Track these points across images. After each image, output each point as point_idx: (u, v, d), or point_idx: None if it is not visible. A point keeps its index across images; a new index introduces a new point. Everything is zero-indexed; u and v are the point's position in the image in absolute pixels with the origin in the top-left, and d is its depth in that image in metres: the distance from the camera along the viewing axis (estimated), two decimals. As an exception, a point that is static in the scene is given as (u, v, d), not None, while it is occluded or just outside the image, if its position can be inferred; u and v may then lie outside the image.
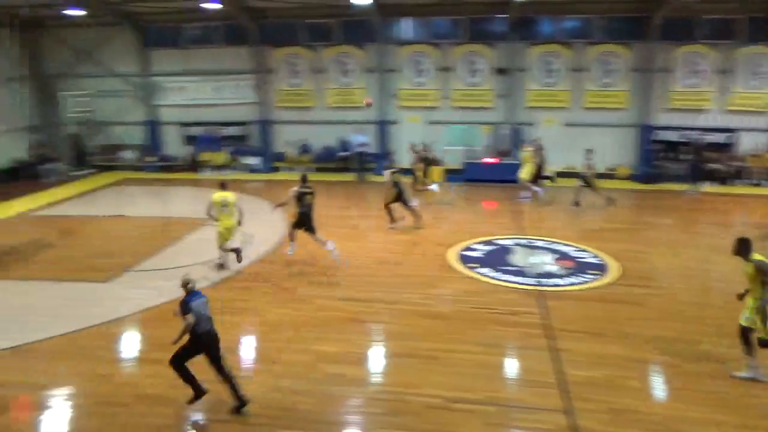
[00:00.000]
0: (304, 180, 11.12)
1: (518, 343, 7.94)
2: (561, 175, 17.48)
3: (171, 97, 20.94)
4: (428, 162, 16.76)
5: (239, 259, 10.73)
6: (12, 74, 19.50)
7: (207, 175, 19.92)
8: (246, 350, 8.08)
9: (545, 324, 8.35)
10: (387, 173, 13.73)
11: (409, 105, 19.78)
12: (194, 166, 20.58)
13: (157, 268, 11.01)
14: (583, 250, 11.66)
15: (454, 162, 19.12)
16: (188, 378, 6.29)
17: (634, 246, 12.14)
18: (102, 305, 9.32)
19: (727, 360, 7.05)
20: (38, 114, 20.99)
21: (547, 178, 16.74)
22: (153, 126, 21.30)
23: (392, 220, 13.35)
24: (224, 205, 10.66)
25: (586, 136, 17.92)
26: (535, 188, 15.95)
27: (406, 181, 14.01)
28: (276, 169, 20.41)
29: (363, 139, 19.14)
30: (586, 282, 10.03)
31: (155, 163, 20.89)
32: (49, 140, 20.99)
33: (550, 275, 10.33)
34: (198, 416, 6.31)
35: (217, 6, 17.43)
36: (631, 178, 18.73)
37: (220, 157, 20.21)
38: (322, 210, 15.30)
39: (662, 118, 18.50)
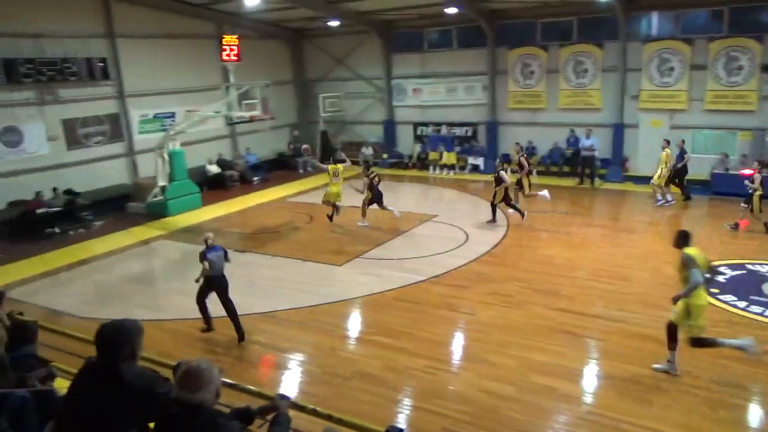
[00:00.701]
0: (368, 167, 14.71)
1: (765, 388, 6.79)
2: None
3: (407, 99, 22.33)
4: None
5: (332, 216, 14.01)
6: (282, 78, 22.77)
7: (435, 173, 20.79)
8: (454, 346, 8.32)
9: (806, 371, 7.00)
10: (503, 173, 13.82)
11: (651, 107, 18.02)
12: (423, 164, 21.66)
13: (384, 257, 11.90)
14: None
15: (700, 172, 16.90)
16: (203, 311, 8.36)
17: None
18: (336, 286, 10.47)
19: None
20: (298, 113, 24.21)
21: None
22: (390, 125, 22.94)
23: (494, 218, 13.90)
24: (335, 174, 13.96)
25: None
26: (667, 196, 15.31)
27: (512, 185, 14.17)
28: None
29: (589, 143, 18.00)
30: None
31: (388, 159, 22.51)
32: (304, 136, 24.04)
33: (819, 314, 8.58)
34: (407, 400, 6.71)
35: (458, 10, 18.14)
36: None
37: (449, 156, 20.89)
38: (543, 215, 14.99)
39: None
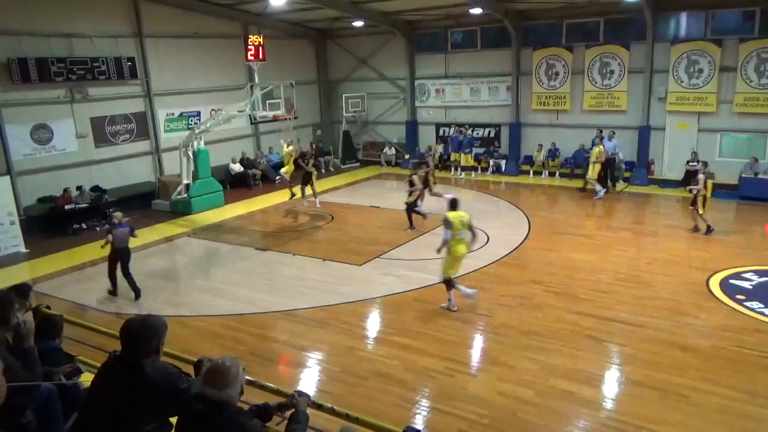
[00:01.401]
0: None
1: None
2: None
3: (430, 99, 22.30)
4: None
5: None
6: (306, 78, 22.91)
7: (455, 175, 20.72)
8: (473, 348, 8.28)
9: (836, 382, 6.82)
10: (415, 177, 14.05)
11: (679, 109, 17.70)
12: (444, 165, 21.59)
13: (403, 258, 11.91)
14: None
15: (728, 176, 16.57)
16: (111, 276, 10.02)
17: None
18: (356, 286, 10.50)
19: None
20: (321, 113, 24.34)
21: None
22: (412, 126, 22.93)
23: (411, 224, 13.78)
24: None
25: None
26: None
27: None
28: (523, 173, 20.25)
29: (612, 145, 17.74)
30: None
31: (410, 160, 22.46)
32: (326, 136, 24.16)
33: None
34: (424, 401, 6.71)
35: (482, 11, 18.08)
36: None
37: (467, 158, 20.79)
38: (564, 218, 14.86)
39: None
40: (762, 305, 8.98)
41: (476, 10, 18.26)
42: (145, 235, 14.35)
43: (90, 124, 16.01)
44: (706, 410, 6.33)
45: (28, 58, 14.16)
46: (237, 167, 19.76)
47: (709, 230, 12.77)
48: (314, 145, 18.40)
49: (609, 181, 17.87)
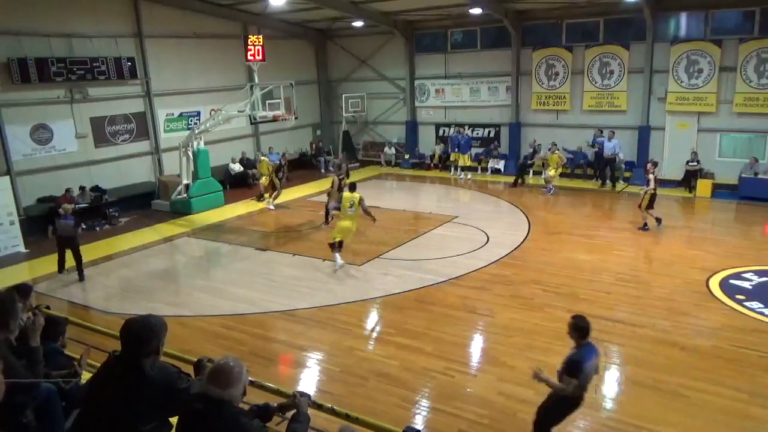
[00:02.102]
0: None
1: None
2: None
3: (430, 99, 22.29)
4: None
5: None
6: (306, 78, 22.90)
7: (455, 175, 20.72)
8: (473, 348, 8.28)
9: (836, 382, 6.82)
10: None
11: (679, 109, 17.71)
12: (444, 165, 21.59)
13: (404, 258, 11.90)
14: None
15: (728, 176, 16.58)
16: (59, 258, 11.18)
17: None
18: (355, 286, 10.50)
19: None
20: (321, 113, 24.33)
21: None
22: (412, 126, 22.93)
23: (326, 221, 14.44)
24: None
25: None
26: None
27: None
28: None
29: (612, 145, 17.71)
30: None
31: (410, 160, 22.50)
32: (326, 136, 24.15)
33: None
34: (424, 401, 6.71)
35: (482, 11, 18.08)
36: None
37: (465, 159, 20.76)
38: (563, 218, 14.86)
39: None
40: (762, 305, 8.99)
41: (476, 10, 18.27)
42: (145, 235, 14.40)
43: (90, 124, 16.00)
44: (706, 410, 6.34)
45: (28, 58, 14.15)
46: (237, 167, 19.75)
47: (646, 226, 13.23)
48: (284, 157, 18.07)
49: (609, 180, 17.91)
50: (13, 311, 3.65)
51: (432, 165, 22.04)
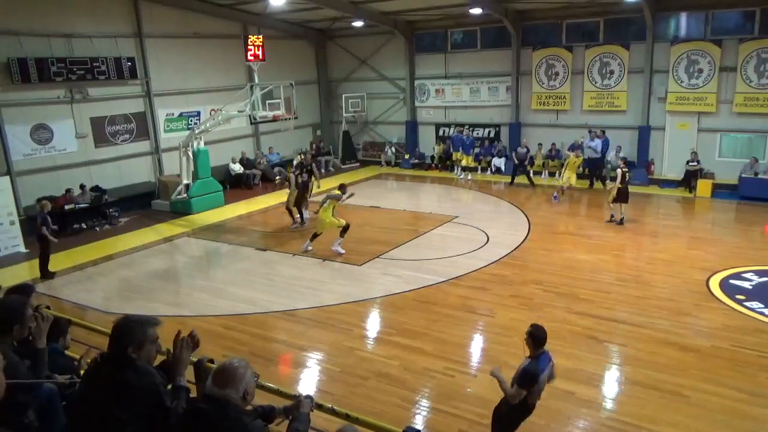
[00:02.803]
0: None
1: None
2: None
3: (430, 99, 22.29)
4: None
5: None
6: (306, 78, 22.90)
7: (455, 174, 20.72)
8: (473, 348, 8.28)
9: (836, 382, 6.82)
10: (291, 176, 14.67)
11: (679, 109, 17.72)
12: (444, 165, 21.59)
13: (404, 258, 11.90)
14: None
15: (728, 176, 16.59)
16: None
17: None
18: (355, 286, 10.50)
19: None
20: (321, 113, 24.34)
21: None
22: (412, 126, 22.92)
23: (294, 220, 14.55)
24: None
25: None
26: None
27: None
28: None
29: (594, 144, 17.70)
30: None
31: (410, 160, 22.50)
32: (326, 136, 24.15)
33: None
34: (424, 401, 6.71)
35: (482, 11, 18.09)
36: None
37: (467, 159, 20.77)
38: (564, 218, 14.85)
39: None
40: (762, 305, 8.99)
41: (476, 10, 18.28)
42: (145, 235, 14.40)
43: (90, 124, 16.00)
44: (706, 410, 6.34)
45: (28, 58, 14.15)
46: (237, 167, 19.75)
47: (621, 221, 13.67)
48: (305, 155, 16.39)
49: (598, 180, 17.87)
50: (20, 317, 3.54)
51: (432, 165, 22.04)
